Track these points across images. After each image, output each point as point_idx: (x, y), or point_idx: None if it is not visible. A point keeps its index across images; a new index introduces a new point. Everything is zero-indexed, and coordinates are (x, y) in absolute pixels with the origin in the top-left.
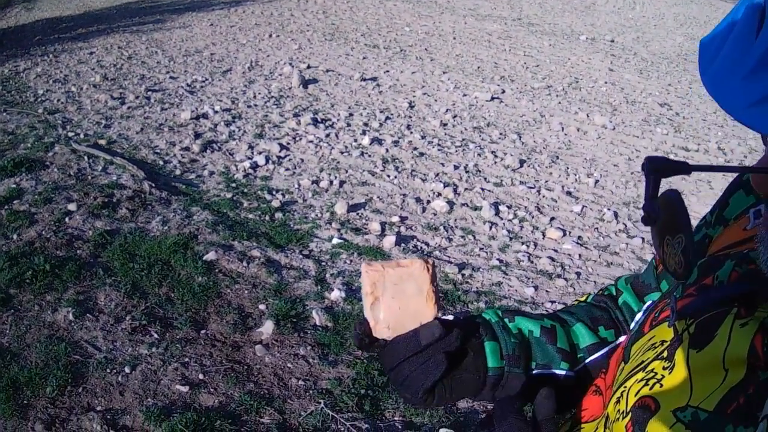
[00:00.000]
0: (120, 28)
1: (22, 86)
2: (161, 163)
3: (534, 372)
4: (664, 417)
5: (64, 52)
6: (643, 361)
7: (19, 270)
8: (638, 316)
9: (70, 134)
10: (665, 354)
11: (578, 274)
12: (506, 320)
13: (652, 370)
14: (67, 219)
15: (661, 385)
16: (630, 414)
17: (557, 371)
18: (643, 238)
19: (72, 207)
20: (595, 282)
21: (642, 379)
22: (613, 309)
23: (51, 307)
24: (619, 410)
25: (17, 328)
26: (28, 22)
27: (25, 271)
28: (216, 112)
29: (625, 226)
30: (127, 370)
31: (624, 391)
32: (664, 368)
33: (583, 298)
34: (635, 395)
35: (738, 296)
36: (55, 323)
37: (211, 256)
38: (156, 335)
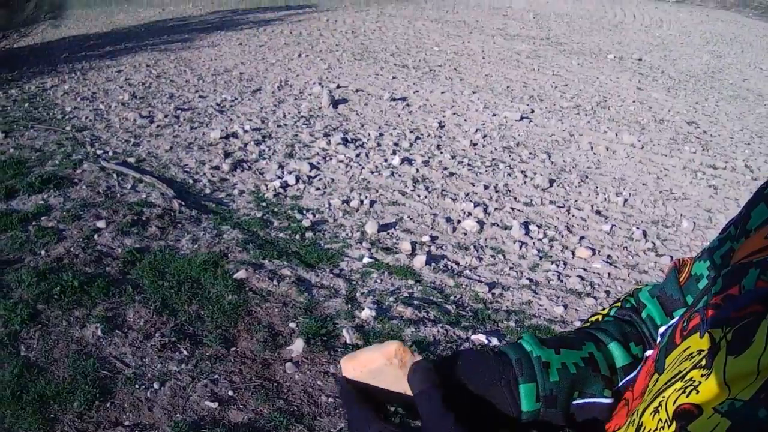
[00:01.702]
0: (148, 46)
1: (49, 103)
2: (191, 181)
3: (574, 403)
4: (705, 415)
5: (92, 70)
6: (680, 371)
7: (48, 286)
8: (662, 329)
9: (99, 152)
10: (704, 362)
11: (607, 292)
12: (548, 353)
13: (690, 379)
14: (95, 236)
15: (698, 392)
16: (674, 422)
17: (601, 400)
18: (671, 257)
19: (101, 224)
20: None
21: (681, 389)
22: (639, 323)
23: (79, 322)
24: (660, 419)
25: (45, 343)
26: (54, 39)
27: (53, 287)
28: (246, 131)
29: (654, 244)
30: (156, 386)
31: (663, 401)
32: (702, 376)
33: (604, 311)
34: (673, 403)
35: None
36: (84, 339)
37: (241, 274)
38: (185, 352)
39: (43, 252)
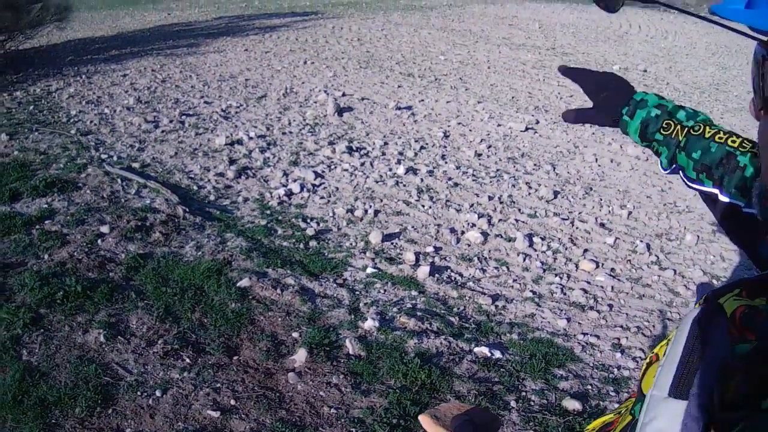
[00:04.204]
0: (153, 50)
1: (54, 106)
2: (195, 188)
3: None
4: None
5: (97, 74)
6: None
7: (50, 290)
8: None
9: (103, 156)
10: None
11: (610, 306)
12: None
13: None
14: (99, 241)
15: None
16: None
17: None
18: (674, 270)
19: (105, 229)
20: (627, 314)
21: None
22: None
23: (82, 328)
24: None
25: (47, 348)
26: (60, 42)
27: (56, 292)
28: (251, 138)
29: (657, 258)
30: (158, 393)
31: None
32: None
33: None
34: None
35: (747, 281)
36: (86, 344)
37: (244, 282)
38: (188, 360)
39: (46, 256)
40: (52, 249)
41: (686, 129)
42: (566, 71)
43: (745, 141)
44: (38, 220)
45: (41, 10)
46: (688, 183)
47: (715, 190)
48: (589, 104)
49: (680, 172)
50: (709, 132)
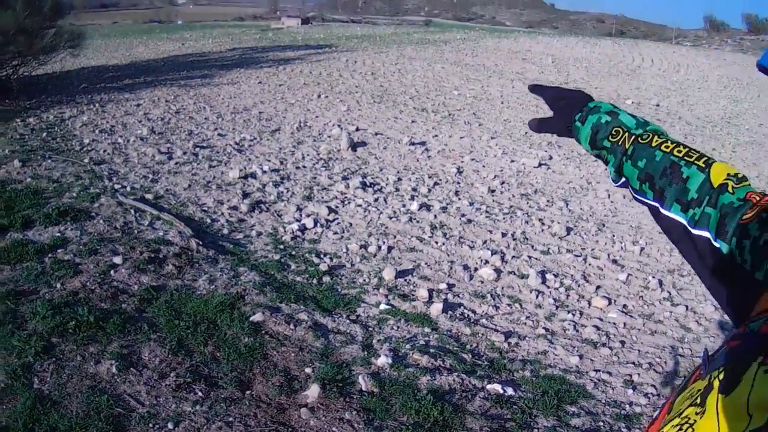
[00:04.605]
0: (167, 81)
1: (67, 134)
2: (209, 221)
3: None
4: None
5: (111, 102)
6: (680, 410)
7: (62, 319)
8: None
9: (117, 186)
10: (698, 401)
11: (623, 342)
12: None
13: (686, 417)
14: (112, 272)
15: (693, 430)
16: None
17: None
18: (686, 306)
19: (117, 260)
20: (639, 351)
21: (677, 425)
22: None
23: (94, 358)
24: None
25: (58, 377)
26: (73, 69)
27: (68, 321)
28: (264, 172)
29: (669, 294)
30: (170, 426)
31: None
32: (696, 413)
33: None
34: None
35: (764, 346)
36: (98, 375)
37: (258, 317)
38: (200, 393)
39: (58, 285)
40: (64, 278)
41: (634, 137)
42: (533, 88)
43: (692, 151)
44: (51, 248)
45: (55, 36)
46: (633, 195)
47: (656, 203)
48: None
49: (628, 184)
50: (656, 141)
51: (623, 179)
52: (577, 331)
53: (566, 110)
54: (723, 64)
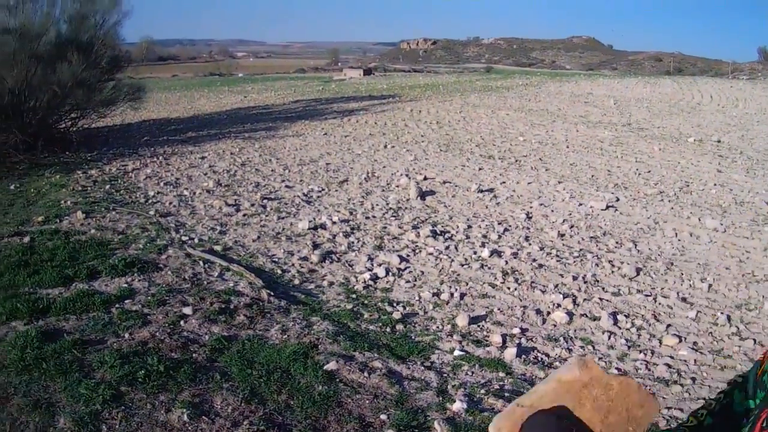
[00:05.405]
0: (231, 133)
1: (131, 186)
2: (279, 272)
3: None
4: None
5: (175, 155)
6: None
7: (131, 368)
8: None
9: (184, 238)
10: None
11: (693, 379)
12: None
13: None
14: (182, 322)
15: None
16: None
17: None
18: (754, 340)
19: (187, 311)
20: (710, 386)
21: None
22: None
23: (164, 406)
24: None
25: (128, 425)
26: (134, 121)
27: (138, 370)
28: (334, 222)
29: (738, 329)
30: None
31: None
32: None
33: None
34: None
35: None
36: (169, 423)
37: (332, 365)
38: None
39: (126, 335)
40: (132, 328)
41: None
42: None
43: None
44: (117, 299)
45: (114, 89)
46: None
47: None
48: None
49: None
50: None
51: None
52: (649, 369)
53: None
54: None
